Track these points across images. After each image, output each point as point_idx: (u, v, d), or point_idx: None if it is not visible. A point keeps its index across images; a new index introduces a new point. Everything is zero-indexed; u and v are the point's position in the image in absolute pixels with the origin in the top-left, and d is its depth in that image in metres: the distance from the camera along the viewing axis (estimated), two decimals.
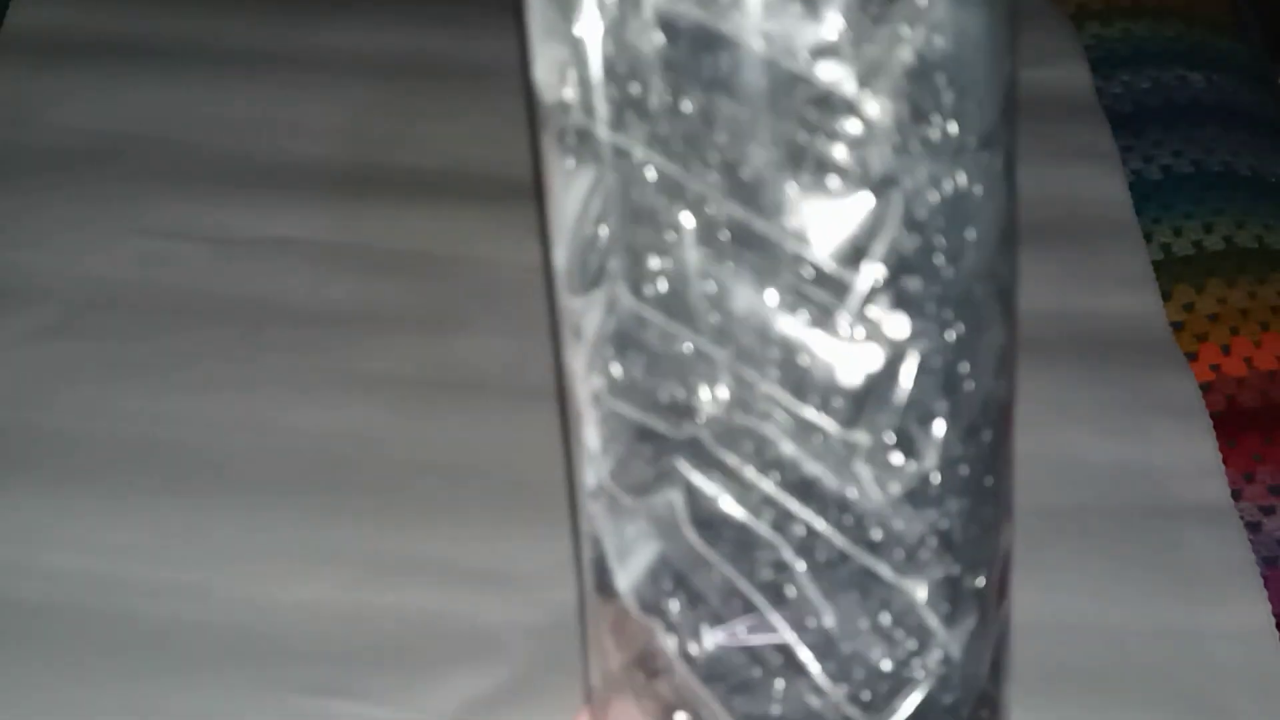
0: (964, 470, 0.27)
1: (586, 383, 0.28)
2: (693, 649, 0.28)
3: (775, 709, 0.27)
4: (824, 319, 0.26)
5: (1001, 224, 0.28)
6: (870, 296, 0.26)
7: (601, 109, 0.26)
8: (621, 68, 0.26)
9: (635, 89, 0.26)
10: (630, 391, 0.27)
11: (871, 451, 0.27)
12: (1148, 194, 0.76)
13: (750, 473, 0.27)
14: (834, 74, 0.25)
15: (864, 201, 0.26)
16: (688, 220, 0.26)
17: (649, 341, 0.27)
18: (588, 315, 0.27)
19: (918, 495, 0.27)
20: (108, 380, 0.64)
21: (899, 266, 0.26)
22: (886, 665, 0.27)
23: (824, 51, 0.25)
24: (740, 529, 0.27)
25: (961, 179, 0.26)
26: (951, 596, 0.27)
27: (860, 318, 0.26)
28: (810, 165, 0.26)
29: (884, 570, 0.27)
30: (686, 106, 0.26)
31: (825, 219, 0.26)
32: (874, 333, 0.26)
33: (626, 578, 0.28)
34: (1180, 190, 0.76)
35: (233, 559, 0.58)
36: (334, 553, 0.59)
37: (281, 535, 0.59)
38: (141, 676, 0.54)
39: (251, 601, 0.57)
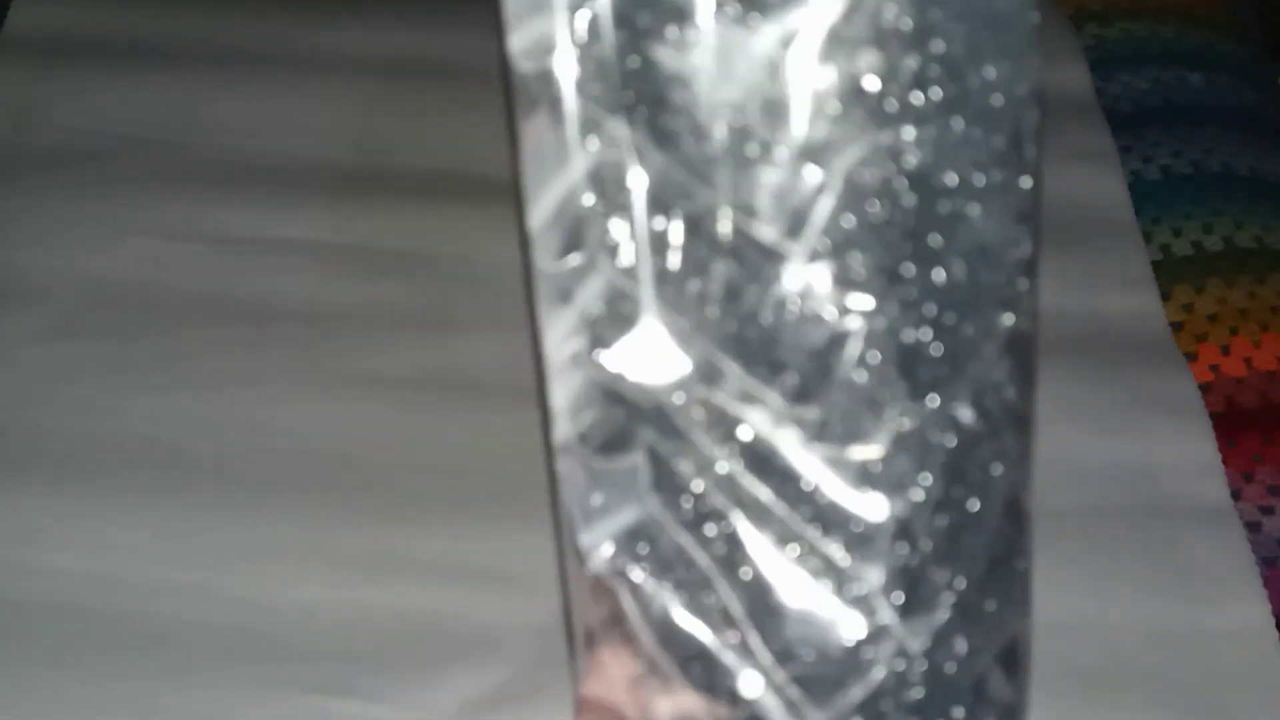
0: (928, 456, 0.27)
1: (566, 344, 0.28)
2: (653, 613, 0.28)
3: (726, 681, 0.27)
4: (773, 289, 0.26)
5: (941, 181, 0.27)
6: (815, 267, 0.26)
7: (576, 76, 0.27)
8: (594, 38, 0.27)
9: (608, 59, 0.27)
10: (611, 360, 0.27)
11: (820, 428, 0.27)
12: (1147, 194, 0.76)
13: (709, 443, 0.27)
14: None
15: (808, 173, 0.26)
16: (642, 185, 0.27)
17: (628, 309, 0.27)
18: (577, 280, 0.27)
19: (872, 477, 0.27)
20: (108, 380, 0.64)
21: (844, 240, 0.26)
22: (834, 650, 0.27)
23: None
24: (697, 499, 0.27)
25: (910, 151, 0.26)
26: (909, 587, 0.27)
27: (807, 288, 0.27)
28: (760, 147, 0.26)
29: (834, 551, 0.27)
30: (652, 72, 0.26)
31: (773, 192, 0.26)
32: (821, 304, 0.27)
33: (590, 537, 0.28)
34: (1179, 190, 0.76)
35: (233, 559, 0.58)
36: (334, 553, 0.59)
37: (281, 535, 0.59)
38: (141, 676, 0.54)
39: (251, 601, 0.57)
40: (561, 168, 0.27)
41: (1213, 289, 0.71)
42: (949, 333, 0.27)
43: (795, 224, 0.27)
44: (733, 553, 0.28)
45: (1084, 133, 0.79)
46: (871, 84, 0.26)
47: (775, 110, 0.26)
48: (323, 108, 0.78)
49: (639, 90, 0.27)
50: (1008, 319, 0.28)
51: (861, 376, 0.27)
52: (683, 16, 0.26)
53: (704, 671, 0.28)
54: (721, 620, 0.28)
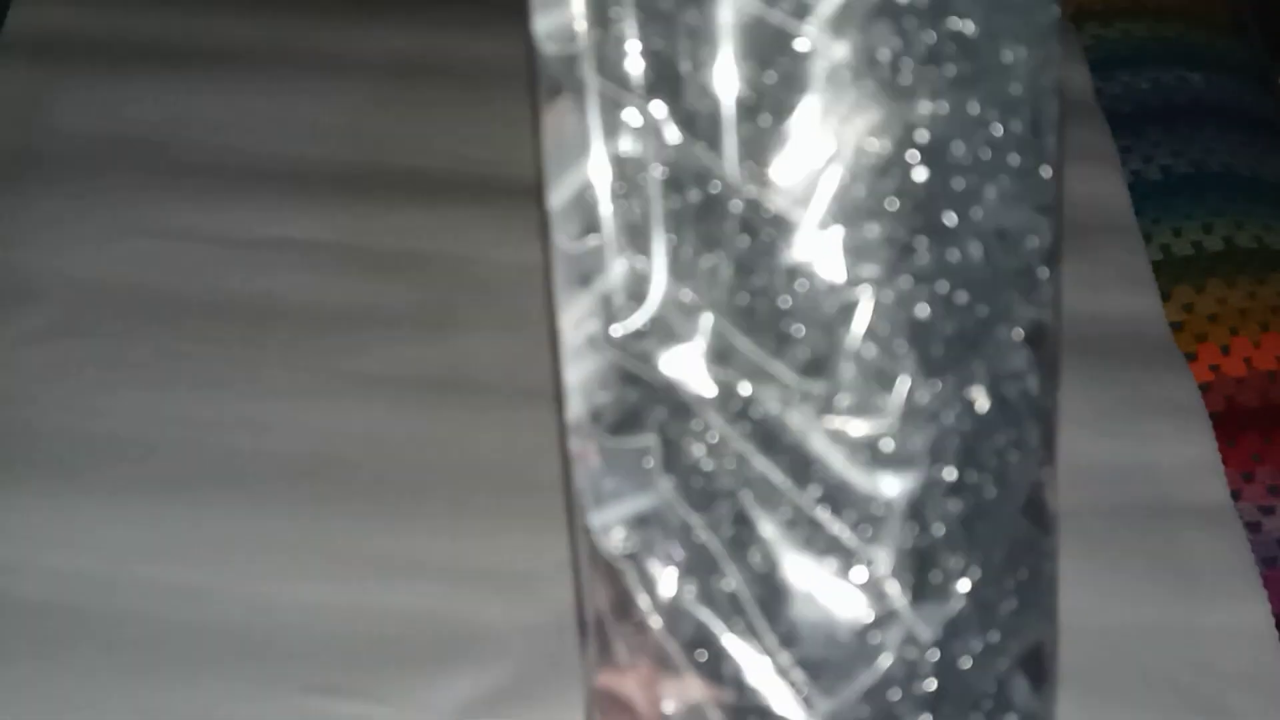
0: (941, 437, 0.27)
1: (582, 326, 0.28)
2: (661, 598, 0.28)
3: (732, 667, 0.27)
4: (783, 261, 0.26)
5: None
6: (825, 235, 0.26)
7: (598, 58, 0.27)
8: (616, 20, 0.27)
9: (629, 40, 0.27)
10: (625, 340, 0.27)
11: (830, 402, 0.27)
12: (1147, 194, 0.76)
13: (720, 422, 0.27)
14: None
15: (820, 142, 0.26)
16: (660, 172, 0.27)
17: (643, 289, 0.27)
18: (594, 261, 0.27)
19: (883, 456, 0.27)
20: (106, 380, 0.64)
21: (854, 209, 0.26)
22: (841, 633, 0.27)
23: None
24: (707, 479, 0.27)
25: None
26: (919, 571, 0.27)
27: (816, 257, 0.26)
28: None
29: (843, 532, 0.27)
30: (673, 52, 0.26)
31: (784, 162, 0.26)
32: (831, 273, 0.26)
33: (601, 518, 0.28)
34: (1180, 191, 0.76)
35: (232, 559, 0.58)
36: (334, 553, 0.59)
37: (281, 535, 0.59)
38: (141, 676, 0.54)
39: (251, 601, 0.57)
40: (582, 150, 0.27)
41: (1213, 289, 0.71)
42: (963, 312, 0.27)
43: (806, 192, 0.27)
44: (742, 534, 0.27)
45: (1084, 133, 0.79)
46: (884, 56, 0.26)
47: (789, 81, 0.26)
48: (323, 108, 0.78)
49: (659, 71, 0.27)
50: (1027, 308, 0.28)
51: (870, 350, 0.27)
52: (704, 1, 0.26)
53: (711, 658, 0.28)
54: (729, 605, 0.27)
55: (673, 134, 0.27)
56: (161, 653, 0.55)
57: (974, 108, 0.27)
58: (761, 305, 0.27)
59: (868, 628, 0.27)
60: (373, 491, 0.61)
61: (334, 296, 0.69)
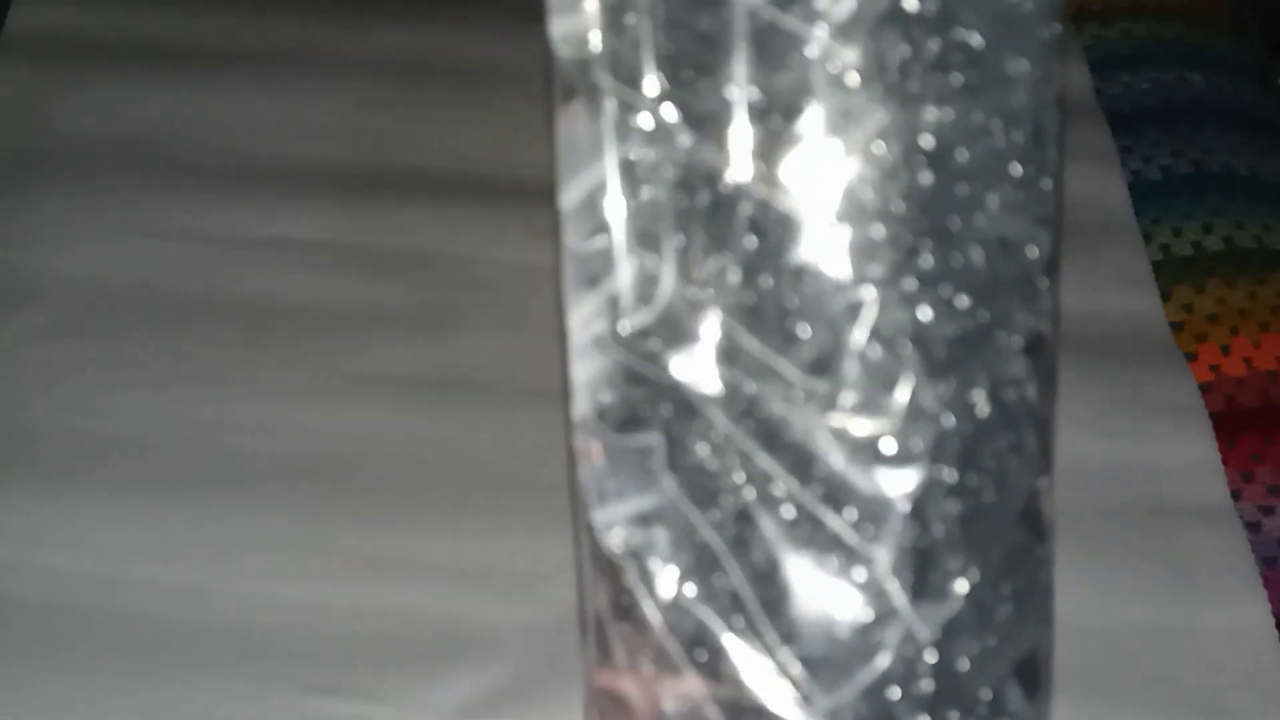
0: (942, 439, 0.27)
1: (590, 326, 0.28)
2: (658, 593, 0.28)
3: (731, 666, 0.27)
4: (790, 260, 0.26)
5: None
6: (832, 235, 0.27)
7: (612, 62, 0.27)
8: (631, 25, 0.27)
9: (643, 44, 0.27)
10: (632, 339, 0.27)
11: (830, 402, 0.27)
12: (1147, 194, 0.76)
13: (725, 421, 0.27)
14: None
15: (829, 143, 0.26)
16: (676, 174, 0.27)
17: (651, 289, 0.27)
18: (603, 263, 0.28)
19: (884, 456, 0.27)
20: (106, 380, 0.64)
21: (860, 210, 0.27)
22: (841, 631, 0.27)
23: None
24: (710, 476, 0.27)
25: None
26: (919, 571, 0.27)
27: (824, 257, 0.27)
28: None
29: (844, 530, 0.27)
30: (685, 56, 0.27)
31: (794, 162, 0.26)
32: (837, 273, 0.27)
33: (604, 516, 0.28)
34: (1180, 191, 0.76)
35: (232, 559, 0.58)
36: (334, 553, 0.59)
37: (281, 535, 0.59)
38: (140, 676, 0.54)
39: (250, 601, 0.57)
40: (594, 153, 0.28)
41: (1213, 289, 0.71)
42: (965, 316, 0.27)
43: (813, 194, 0.27)
44: (743, 532, 0.28)
45: (1084, 133, 0.79)
46: (892, 62, 0.26)
47: (799, 85, 0.26)
48: (323, 108, 0.78)
49: (672, 75, 0.27)
50: (1027, 317, 0.28)
51: (875, 350, 0.27)
52: (715, 1, 0.26)
53: (711, 656, 0.28)
54: (730, 603, 0.28)
55: (684, 137, 0.27)
56: (161, 653, 0.55)
57: (978, 117, 0.27)
58: (768, 305, 0.27)
59: (867, 626, 0.28)
60: (373, 491, 0.61)
61: (334, 296, 0.69)
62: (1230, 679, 0.56)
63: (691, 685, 0.28)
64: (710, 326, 0.27)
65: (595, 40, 0.28)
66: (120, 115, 0.76)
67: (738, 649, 0.28)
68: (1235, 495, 0.62)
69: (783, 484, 0.27)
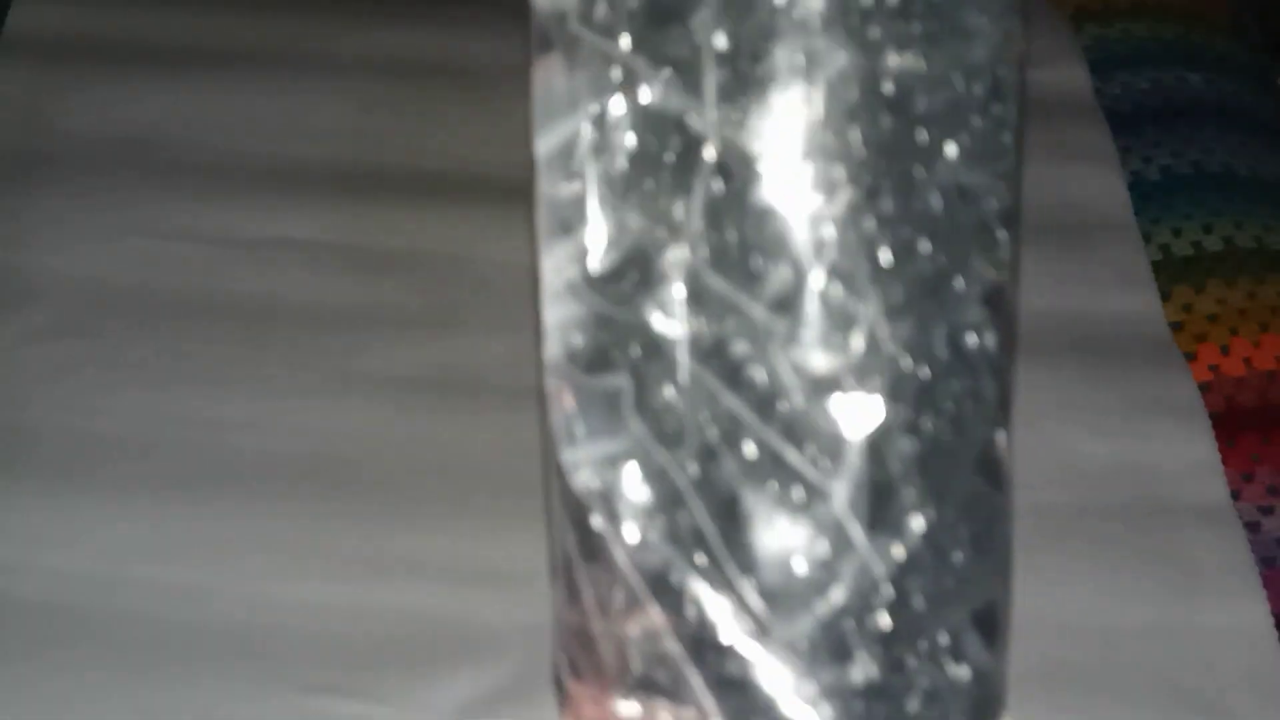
0: (900, 379, 0.28)
1: (562, 271, 0.28)
2: (624, 532, 0.28)
3: (692, 601, 0.28)
4: (754, 200, 0.27)
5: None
6: (795, 173, 0.27)
7: (584, 9, 0.28)
8: None
9: None
10: (603, 284, 0.28)
11: (793, 341, 0.27)
12: (1147, 194, 0.76)
13: (690, 362, 0.28)
14: None
15: (793, 86, 0.27)
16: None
17: (619, 234, 0.28)
18: (576, 210, 0.28)
19: (841, 393, 0.27)
20: (108, 380, 0.64)
21: (822, 149, 0.27)
22: (799, 565, 0.27)
23: None
24: (676, 416, 0.28)
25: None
26: (876, 505, 0.27)
27: (786, 195, 0.27)
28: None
29: (801, 464, 0.27)
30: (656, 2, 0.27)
31: (760, 104, 0.27)
32: (799, 211, 0.27)
33: (572, 455, 0.28)
34: (1179, 191, 0.76)
35: (231, 558, 0.58)
36: (334, 553, 0.59)
37: (281, 535, 0.59)
38: (140, 676, 0.54)
39: (251, 601, 0.57)
40: (569, 102, 0.28)
41: (1213, 289, 0.71)
42: (924, 260, 0.28)
43: (778, 136, 0.27)
44: (707, 470, 0.28)
45: (1083, 133, 0.79)
46: (856, 8, 0.27)
47: (766, 30, 0.27)
48: (323, 108, 0.78)
49: (644, 23, 0.27)
50: (985, 267, 0.29)
51: (836, 290, 0.27)
52: None
53: (674, 593, 0.28)
54: (693, 540, 0.28)
55: (654, 84, 0.27)
56: (161, 653, 0.55)
57: (937, 66, 0.28)
58: (733, 246, 0.28)
59: (825, 560, 0.28)
60: (373, 491, 0.61)
61: (334, 296, 0.69)
62: (1230, 679, 0.56)
63: (655, 621, 0.28)
64: (677, 269, 0.28)
65: None
66: (120, 115, 0.76)
67: (700, 585, 0.28)
68: (1235, 495, 0.62)
69: (746, 422, 0.28)
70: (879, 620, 0.28)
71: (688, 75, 0.27)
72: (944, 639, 0.29)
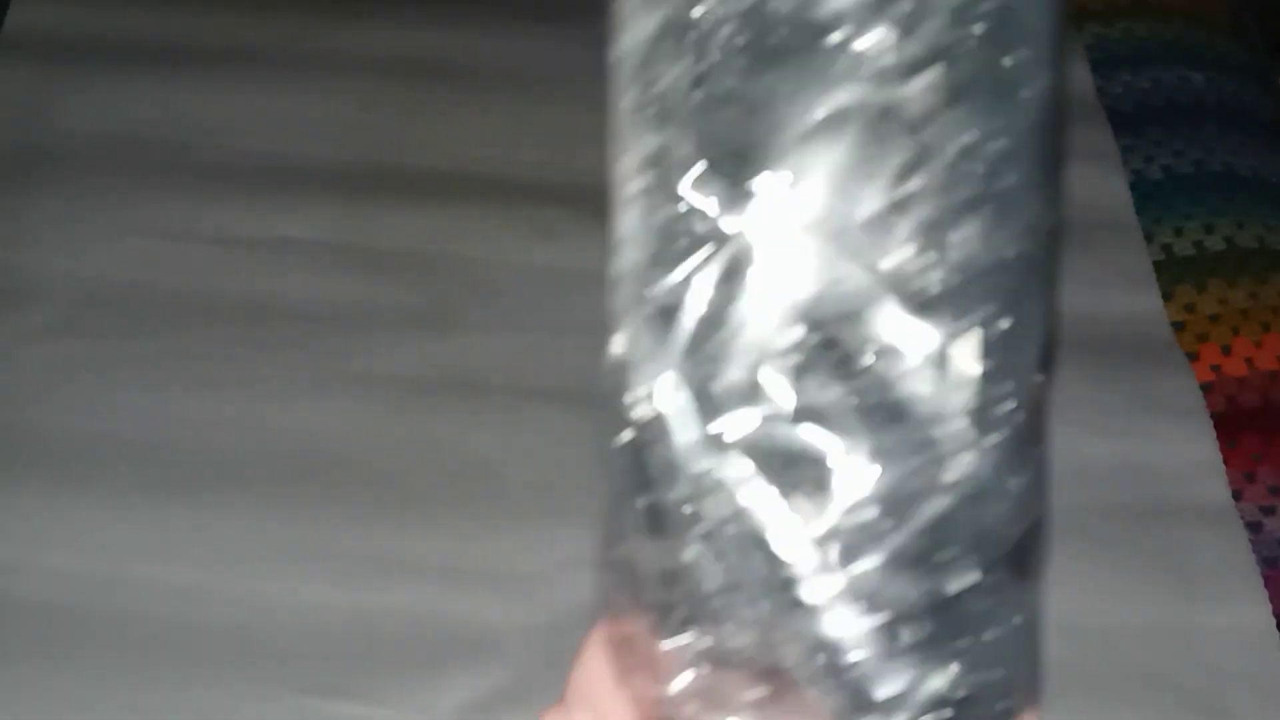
0: (990, 285, 0.27)
1: (636, 179, 0.28)
2: (679, 462, 0.28)
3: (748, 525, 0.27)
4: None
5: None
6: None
7: None
8: None
9: None
10: (682, 191, 0.27)
11: (882, 248, 0.27)
12: (1149, 194, 0.76)
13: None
14: None
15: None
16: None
17: (708, 145, 0.27)
18: (667, 113, 0.27)
19: (930, 299, 0.27)
20: (108, 380, 0.64)
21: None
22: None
23: None
24: (736, 331, 0.27)
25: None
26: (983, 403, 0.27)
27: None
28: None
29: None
30: None
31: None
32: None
33: (634, 378, 0.28)
34: (1181, 191, 0.76)
35: (231, 559, 0.58)
36: (334, 553, 0.59)
37: (281, 535, 0.59)
38: (140, 676, 0.54)
39: (250, 602, 0.57)
40: (652, 4, 0.27)
41: (1214, 289, 0.71)
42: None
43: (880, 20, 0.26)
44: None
45: (1085, 132, 0.79)
46: None
47: None
48: (323, 108, 0.78)
49: None
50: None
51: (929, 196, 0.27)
52: None
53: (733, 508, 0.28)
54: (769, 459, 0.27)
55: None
56: (161, 653, 0.55)
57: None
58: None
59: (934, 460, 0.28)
60: (373, 491, 0.61)
61: (334, 296, 0.69)
62: (1230, 679, 0.56)
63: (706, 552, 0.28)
64: (762, 173, 0.27)
65: None
66: (120, 114, 0.76)
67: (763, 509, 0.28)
68: (1236, 495, 0.62)
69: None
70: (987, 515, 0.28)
71: None
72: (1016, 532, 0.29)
